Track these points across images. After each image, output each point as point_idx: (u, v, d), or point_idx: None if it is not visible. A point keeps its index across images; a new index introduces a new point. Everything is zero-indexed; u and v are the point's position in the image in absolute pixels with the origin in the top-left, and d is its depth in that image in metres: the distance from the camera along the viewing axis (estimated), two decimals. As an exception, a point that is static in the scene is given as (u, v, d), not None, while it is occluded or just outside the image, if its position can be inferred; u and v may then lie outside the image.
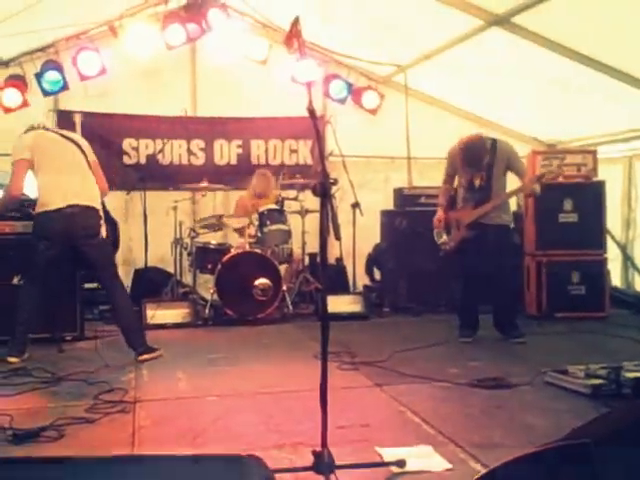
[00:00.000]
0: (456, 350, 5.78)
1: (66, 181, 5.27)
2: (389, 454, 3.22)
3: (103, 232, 5.33)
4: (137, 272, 7.95)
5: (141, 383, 4.73)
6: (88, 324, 6.53)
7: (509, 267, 6.22)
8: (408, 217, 8.01)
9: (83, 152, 5.42)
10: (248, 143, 9.14)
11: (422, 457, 3.21)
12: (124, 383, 4.66)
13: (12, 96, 7.95)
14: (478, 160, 6.00)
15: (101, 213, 5.36)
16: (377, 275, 8.71)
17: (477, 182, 6.12)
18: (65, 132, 5.64)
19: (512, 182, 6.33)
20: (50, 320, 5.67)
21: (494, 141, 6.14)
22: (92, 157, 5.53)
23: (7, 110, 7.96)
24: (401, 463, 3.05)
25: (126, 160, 8.70)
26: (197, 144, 9.01)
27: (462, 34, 7.27)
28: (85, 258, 5.40)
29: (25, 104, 8.01)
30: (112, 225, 5.60)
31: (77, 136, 5.72)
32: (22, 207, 5.99)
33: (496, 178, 6.10)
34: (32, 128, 5.52)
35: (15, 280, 5.98)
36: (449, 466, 3.11)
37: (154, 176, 8.40)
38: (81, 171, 5.37)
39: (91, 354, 5.59)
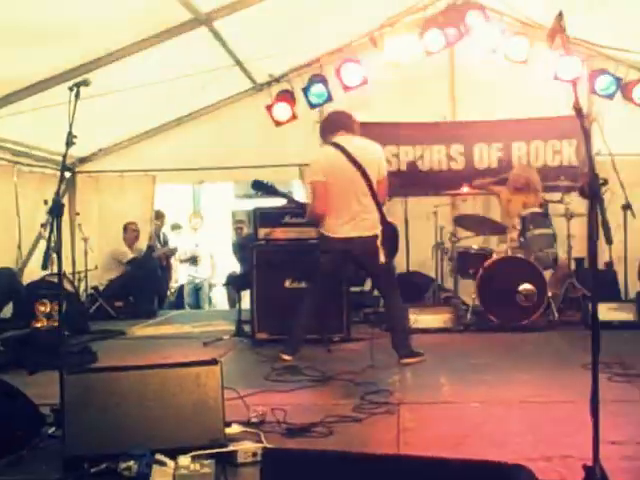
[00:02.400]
0: None
1: (345, 210, 5.52)
2: (669, 475, 3.00)
3: (382, 257, 5.51)
4: (399, 277, 8.09)
5: (405, 385, 4.86)
6: (354, 326, 6.79)
7: None
8: (688, 219, 7.40)
9: (365, 174, 5.52)
10: (509, 145, 8.97)
11: None
12: (389, 385, 4.79)
13: (282, 110, 8.53)
14: None
15: (378, 236, 5.51)
16: (653, 282, 8.13)
17: None
18: (354, 147, 5.59)
19: None
20: (320, 322, 5.94)
21: None
22: (378, 174, 5.60)
23: (278, 123, 8.55)
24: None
25: (387, 167, 8.92)
26: (456, 149, 9.02)
27: None
28: (365, 272, 6.02)
29: (294, 117, 8.55)
30: (392, 233, 5.75)
31: (365, 150, 5.65)
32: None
33: None
34: (330, 136, 5.73)
35: (287, 283, 6.44)
36: None
37: (414, 182, 8.55)
38: (359, 198, 5.52)
39: (357, 355, 5.84)
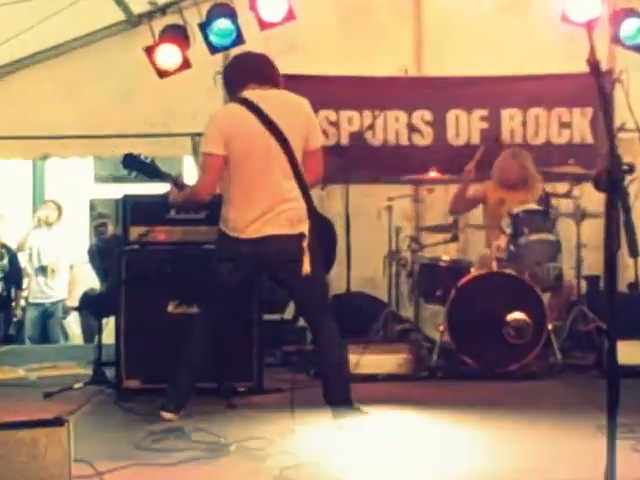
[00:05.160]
0: None
1: (256, 198, 5.50)
2: None
3: (307, 266, 5.49)
4: (336, 299, 8.08)
5: (342, 458, 4.79)
6: (268, 371, 6.78)
7: None
8: None
9: (286, 144, 5.50)
10: (497, 113, 9.14)
11: None
12: (317, 456, 4.75)
13: (169, 54, 8.47)
14: None
15: (305, 235, 5.50)
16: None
17: None
18: (272, 105, 5.56)
19: None
20: (217, 365, 5.91)
21: None
22: (307, 143, 5.61)
23: (163, 74, 8.48)
24: None
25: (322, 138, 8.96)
26: (422, 116, 9.12)
27: None
28: (285, 290, 5.95)
29: (186, 65, 8.50)
30: (326, 231, 5.77)
31: (287, 109, 5.64)
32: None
33: None
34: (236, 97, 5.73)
35: (171, 307, 6.40)
36: None
37: (361, 163, 8.64)
38: (277, 180, 5.52)
39: (272, 413, 5.82)
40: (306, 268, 5.46)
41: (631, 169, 7.01)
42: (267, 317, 6.88)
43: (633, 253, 2.98)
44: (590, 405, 5.69)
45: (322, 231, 5.65)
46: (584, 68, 3.12)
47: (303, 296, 5.77)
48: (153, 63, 8.45)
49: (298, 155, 5.55)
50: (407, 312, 8.11)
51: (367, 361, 7.03)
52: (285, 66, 8.60)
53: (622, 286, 8.06)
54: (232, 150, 5.51)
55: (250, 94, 5.62)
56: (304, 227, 5.52)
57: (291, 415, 5.57)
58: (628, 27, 8.70)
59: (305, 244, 5.48)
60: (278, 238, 5.48)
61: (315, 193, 8.07)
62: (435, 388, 6.90)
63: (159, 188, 6.90)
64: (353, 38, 8.96)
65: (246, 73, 5.78)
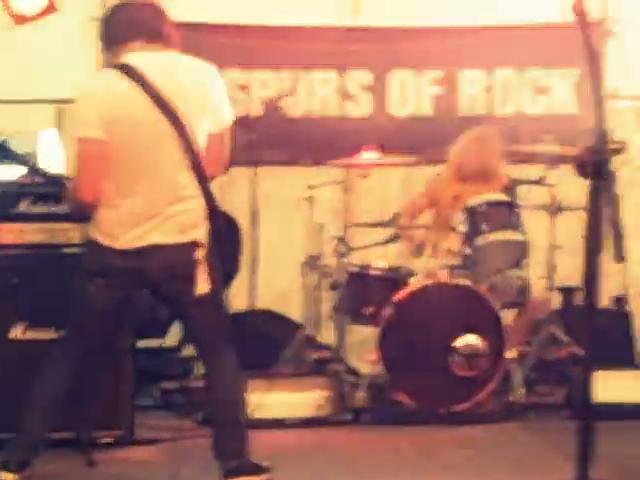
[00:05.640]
0: None
1: (139, 196, 5.41)
2: None
3: (202, 283, 5.41)
4: (236, 320, 8.02)
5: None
6: (142, 415, 6.71)
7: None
8: None
9: (180, 126, 5.38)
10: (453, 76, 9.11)
11: None
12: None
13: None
14: None
15: (200, 243, 5.43)
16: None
17: None
18: (163, 73, 5.44)
19: None
20: (75, 408, 5.75)
21: None
22: (213, 122, 5.52)
23: (19, 19, 8.41)
24: None
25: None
26: (359, 78, 9.09)
27: None
28: (173, 311, 5.97)
29: (50, 9, 8.41)
30: (229, 236, 5.72)
31: (183, 78, 5.53)
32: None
33: None
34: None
35: (17, 331, 6.27)
36: None
37: (275, 139, 8.66)
38: (168, 173, 5.44)
39: (146, 471, 5.80)
40: (202, 286, 5.39)
41: (622, 148, 7.05)
42: (142, 344, 6.78)
43: (618, 257, 2.89)
44: (557, 455, 5.78)
45: (224, 235, 5.58)
46: (569, 17, 3.03)
47: (196, 320, 5.68)
48: (6, 5, 8.34)
49: (198, 140, 5.45)
50: (328, 336, 8.02)
51: (273, 401, 7.02)
52: (179, 12, 8.62)
53: (605, 301, 8.10)
54: (110, 133, 5.38)
55: (133, 58, 5.50)
56: (199, 233, 5.43)
57: (173, 474, 5.45)
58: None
59: (199, 255, 5.42)
60: (163, 248, 5.39)
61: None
62: (361, 435, 6.93)
63: (8, 171, 6.72)
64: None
65: (126, 27, 5.65)
